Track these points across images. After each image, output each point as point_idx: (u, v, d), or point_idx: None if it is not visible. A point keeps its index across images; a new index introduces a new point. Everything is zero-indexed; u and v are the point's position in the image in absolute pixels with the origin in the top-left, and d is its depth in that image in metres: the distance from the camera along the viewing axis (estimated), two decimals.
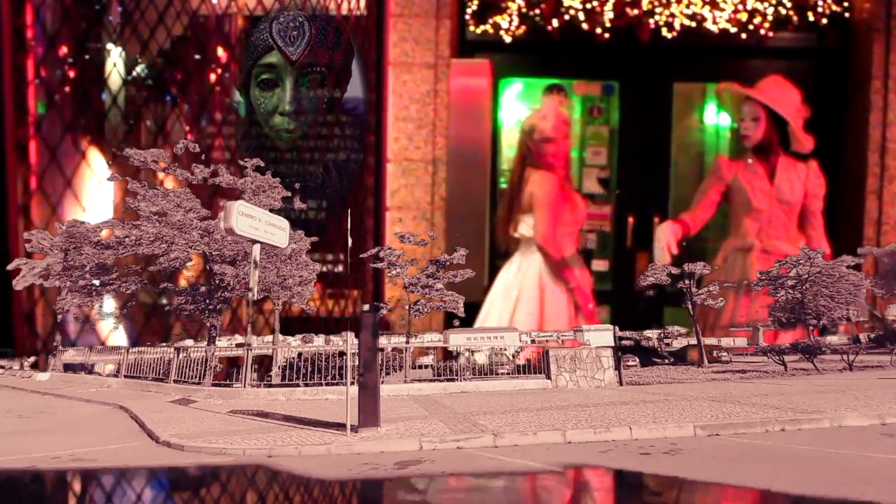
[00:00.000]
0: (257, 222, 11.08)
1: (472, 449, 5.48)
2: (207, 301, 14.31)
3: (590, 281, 31.02)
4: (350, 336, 6.80)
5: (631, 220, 31.88)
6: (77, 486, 4.81)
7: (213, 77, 27.47)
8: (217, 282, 14.29)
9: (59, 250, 17.12)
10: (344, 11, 28.12)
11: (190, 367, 12.29)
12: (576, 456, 5.13)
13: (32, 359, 23.04)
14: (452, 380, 11.17)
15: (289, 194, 15.49)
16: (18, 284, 18.58)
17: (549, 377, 11.23)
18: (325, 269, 25.93)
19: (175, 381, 12.13)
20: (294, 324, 24.98)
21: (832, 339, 24.43)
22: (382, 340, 22.14)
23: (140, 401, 10.25)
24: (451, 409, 8.12)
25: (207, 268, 14.32)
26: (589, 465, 4.81)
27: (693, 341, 22.36)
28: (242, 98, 27.68)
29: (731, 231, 30.53)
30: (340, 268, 27.59)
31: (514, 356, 13.56)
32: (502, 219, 31.41)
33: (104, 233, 15.79)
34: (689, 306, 21.11)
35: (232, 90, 27.63)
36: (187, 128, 27.14)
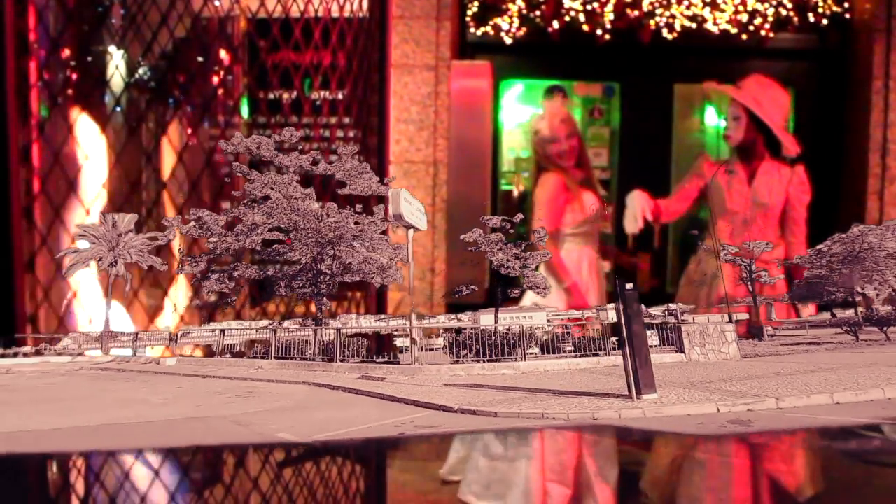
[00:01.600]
0: (412, 207, 11.45)
1: (762, 411, 5.81)
2: (318, 285, 14.66)
3: (596, 278, 30.99)
4: (611, 310, 6.90)
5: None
6: (528, 446, 4.91)
7: (215, 79, 27.54)
8: (319, 267, 14.65)
9: (105, 241, 18.04)
10: (347, 14, 28.19)
11: (346, 347, 12.38)
12: (871, 412, 5.45)
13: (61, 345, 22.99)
14: (597, 354, 11.50)
15: (379, 179, 15.66)
16: (69, 273, 19.34)
17: (681, 351, 11.61)
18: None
19: (341, 361, 12.18)
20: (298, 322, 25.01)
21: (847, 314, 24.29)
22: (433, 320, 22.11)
23: (329, 378, 10.26)
24: (662, 379, 8.22)
25: (315, 251, 14.53)
26: None
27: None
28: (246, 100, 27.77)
29: (708, 231, 30.54)
30: None
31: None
32: (529, 223, 31.47)
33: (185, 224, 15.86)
34: (749, 284, 21.67)
35: (235, 92, 27.71)
36: (189, 130, 27.19)
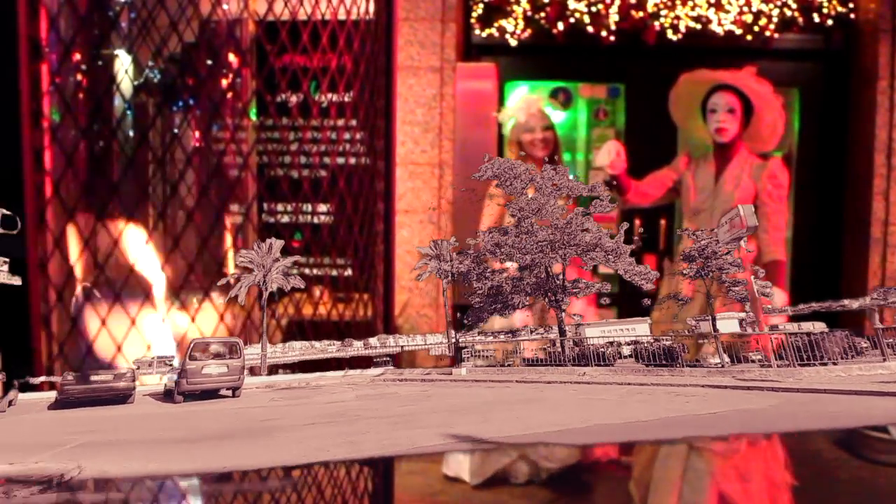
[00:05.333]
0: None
1: None
2: (559, 295, 14.78)
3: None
4: None
5: (637, 222, 31.92)
6: None
7: (224, 82, 27.76)
8: (554, 282, 14.81)
9: (261, 267, 17.86)
10: (354, 17, 28.36)
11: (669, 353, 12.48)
12: None
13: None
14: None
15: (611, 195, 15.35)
16: (241, 298, 18.63)
17: None
18: (335, 272, 26.41)
19: (690, 366, 12.07)
20: (307, 326, 25.17)
21: None
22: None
23: (696, 380, 9.81)
24: None
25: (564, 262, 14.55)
26: None
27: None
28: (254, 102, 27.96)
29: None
30: (350, 272, 27.79)
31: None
32: None
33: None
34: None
35: (244, 94, 27.90)
36: (198, 133, 27.36)
